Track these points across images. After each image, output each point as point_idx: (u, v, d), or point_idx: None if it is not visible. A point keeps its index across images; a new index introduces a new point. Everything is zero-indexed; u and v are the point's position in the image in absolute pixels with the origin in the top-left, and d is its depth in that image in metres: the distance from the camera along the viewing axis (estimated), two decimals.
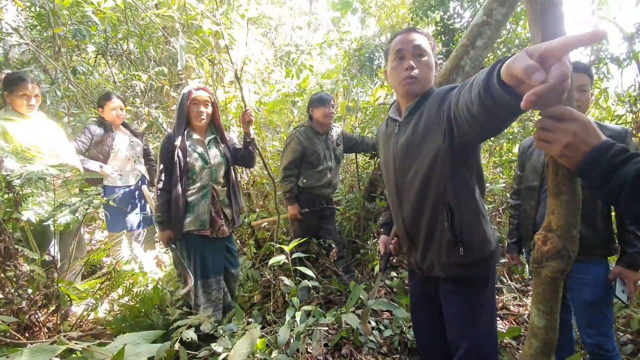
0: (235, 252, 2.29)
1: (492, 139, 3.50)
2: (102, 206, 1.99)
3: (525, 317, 2.36)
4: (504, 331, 2.05)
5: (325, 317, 1.89)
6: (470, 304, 1.17)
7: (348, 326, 1.89)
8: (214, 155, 2.12)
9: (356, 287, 1.80)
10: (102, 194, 2.72)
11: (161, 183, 2.00)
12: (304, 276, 1.85)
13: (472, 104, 0.78)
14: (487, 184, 3.41)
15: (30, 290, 1.65)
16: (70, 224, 1.89)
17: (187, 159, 2.01)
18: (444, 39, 3.85)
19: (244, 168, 3.66)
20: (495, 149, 4.11)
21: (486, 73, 0.71)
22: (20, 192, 1.72)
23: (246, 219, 3.35)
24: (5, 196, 1.67)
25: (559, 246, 0.75)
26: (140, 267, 2.47)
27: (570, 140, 0.64)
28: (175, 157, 1.97)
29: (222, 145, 2.20)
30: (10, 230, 1.71)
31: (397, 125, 1.24)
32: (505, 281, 2.80)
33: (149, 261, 2.58)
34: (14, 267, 1.56)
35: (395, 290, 2.60)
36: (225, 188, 2.18)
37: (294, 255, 1.81)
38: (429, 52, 1.18)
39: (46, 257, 1.93)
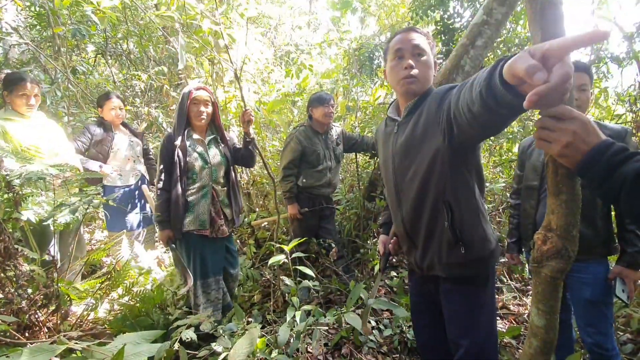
0: (234, 253, 2.29)
1: (491, 138, 3.50)
2: (101, 206, 1.99)
3: (525, 316, 2.36)
4: (504, 330, 2.05)
5: (325, 317, 1.89)
6: (471, 303, 1.17)
7: (348, 326, 1.89)
8: (214, 155, 2.12)
9: (356, 287, 1.80)
10: (102, 194, 2.71)
11: (161, 183, 2.00)
12: (304, 276, 1.85)
13: (473, 103, 0.78)
14: (487, 184, 3.41)
15: (30, 290, 1.65)
16: (70, 223, 1.89)
17: (187, 159, 2.01)
18: (443, 38, 3.85)
19: (243, 168, 3.66)
20: (495, 148, 4.11)
21: (488, 72, 0.71)
22: (20, 192, 1.72)
23: (246, 219, 3.35)
24: (5, 196, 1.67)
25: (559, 246, 0.75)
26: (141, 268, 2.47)
27: (570, 140, 0.64)
28: (175, 157, 1.97)
29: (222, 145, 2.19)
30: (10, 230, 1.72)
31: (396, 125, 1.24)
32: (505, 280, 2.80)
33: (150, 260, 2.59)
34: (14, 266, 1.56)
35: (395, 289, 2.60)
36: (225, 188, 2.17)
37: (293, 255, 1.81)
38: (428, 52, 1.18)
39: (46, 257, 1.93)
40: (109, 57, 4.73)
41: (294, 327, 1.58)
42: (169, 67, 4.38)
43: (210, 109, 2.09)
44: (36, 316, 1.59)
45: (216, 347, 1.44)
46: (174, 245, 2.04)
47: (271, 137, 4.67)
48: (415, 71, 1.15)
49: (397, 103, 1.30)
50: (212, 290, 2.07)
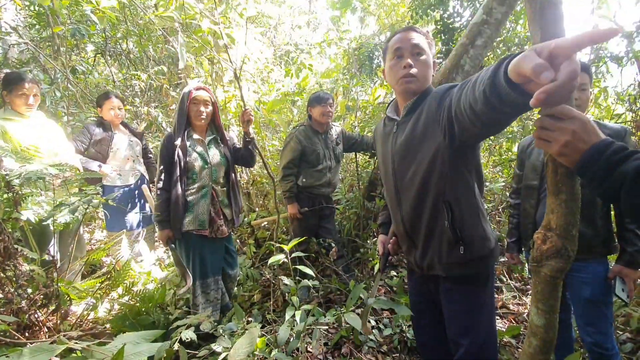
0: (234, 253, 2.29)
1: (491, 137, 3.50)
2: (101, 206, 1.99)
3: (524, 316, 2.36)
4: (504, 330, 2.05)
5: (325, 316, 1.89)
6: (471, 303, 1.18)
7: (348, 325, 1.89)
8: (214, 155, 2.12)
9: (356, 286, 1.79)
10: (101, 194, 2.71)
11: (161, 182, 1.99)
12: (304, 275, 1.84)
13: (476, 101, 0.78)
14: (487, 183, 3.41)
15: (30, 290, 1.65)
16: (70, 223, 1.89)
17: (187, 159, 2.01)
18: (443, 37, 3.85)
19: (243, 167, 3.66)
20: (494, 147, 4.12)
21: (492, 70, 0.70)
22: (20, 192, 1.72)
23: (246, 219, 3.35)
24: (5, 196, 1.67)
25: (558, 245, 0.75)
26: (142, 266, 2.47)
27: (569, 139, 0.64)
28: (175, 157, 1.97)
29: (222, 146, 2.19)
30: (10, 230, 1.71)
31: (395, 125, 1.24)
32: (505, 280, 2.80)
33: (151, 260, 2.59)
34: (14, 266, 1.56)
35: (394, 289, 2.60)
36: (225, 188, 2.17)
37: (293, 255, 1.81)
38: (427, 51, 1.18)
39: (46, 257, 1.93)
40: (109, 57, 4.73)
41: (294, 326, 1.58)
42: (168, 66, 4.38)
43: (210, 109, 2.09)
44: (36, 316, 1.59)
45: (216, 346, 1.44)
46: (173, 245, 2.04)
47: (271, 136, 4.67)
48: (414, 70, 1.15)
49: (396, 102, 1.30)
50: (211, 290, 2.07)
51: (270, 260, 1.81)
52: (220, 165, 2.13)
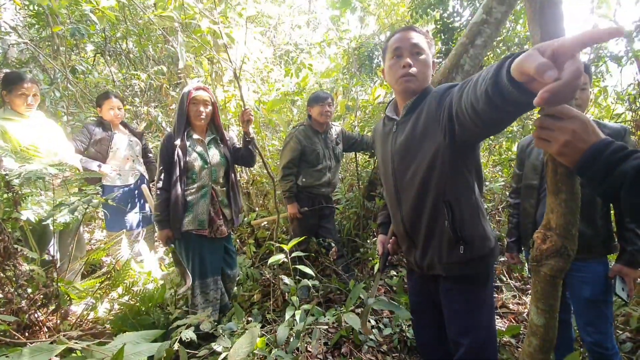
0: (233, 253, 2.29)
1: (491, 137, 3.50)
2: (101, 206, 1.98)
3: (524, 315, 2.36)
4: (504, 329, 2.06)
5: (325, 316, 1.89)
6: (471, 302, 1.18)
7: (348, 325, 1.89)
8: (214, 155, 2.12)
9: (356, 286, 1.80)
10: (101, 194, 2.71)
11: (160, 182, 1.99)
12: (304, 275, 1.85)
13: (478, 100, 0.78)
14: (487, 183, 3.41)
15: (29, 290, 1.65)
16: (70, 223, 1.89)
17: (187, 159, 2.01)
18: (443, 37, 3.85)
19: (243, 167, 3.66)
20: (494, 147, 4.12)
21: (494, 70, 0.70)
22: (20, 192, 1.72)
23: (246, 218, 3.35)
24: (5, 196, 1.67)
25: (558, 245, 0.75)
26: (143, 266, 2.47)
27: (569, 139, 0.64)
28: (175, 157, 1.97)
29: (222, 146, 2.19)
30: (10, 230, 1.71)
31: (394, 124, 1.24)
32: (505, 279, 2.80)
33: (152, 260, 2.59)
34: (14, 266, 1.56)
35: (394, 289, 2.60)
36: (225, 188, 2.17)
37: (293, 254, 1.81)
38: (426, 51, 1.18)
39: (46, 257, 1.93)
40: (108, 57, 4.73)
41: (294, 326, 1.58)
42: (168, 66, 4.38)
43: (209, 109, 2.09)
44: (36, 316, 1.59)
45: (216, 346, 1.44)
46: (173, 245, 2.03)
47: (271, 136, 4.67)
48: (413, 69, 1.15)
49: (396, 102, 1.30)
50: (211, 290, 2.07)
51: (270, 260, 1.81)
52: (219, 165, 2.13)
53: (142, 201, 2.98)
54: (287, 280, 1.88)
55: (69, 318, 1.85)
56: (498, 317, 2.36)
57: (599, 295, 1.48)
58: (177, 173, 1.97)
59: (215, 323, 1.64)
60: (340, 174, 3.43)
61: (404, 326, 2.07)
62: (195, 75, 3.53)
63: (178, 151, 1.98)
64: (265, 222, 3.32)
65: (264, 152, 3.89)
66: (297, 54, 5.62)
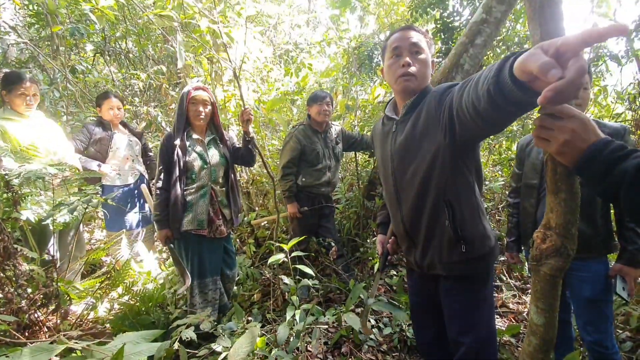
0: (232, 254, 2.29)
1: (491, 137, 3.50)
2: (100, 205, 1.99)
3: (524, 314, 2.37)
4: (504, 329, 2.06)
5: (325, 316, 1.89)
6: (471, 302, 1.18)
7: (348, 324, 1.89)
8: (213, 155, 2.12)
9: (356, 286, 1.80)
10: (101, 193, 2.71)
11: (160, 182, 1.99)
12: (304, 275, 1.85)
13: (479, 100, 0.77)
14: (487, 182, 3.41)
15: (29, 290, 1.65)
16: (69, 223, 1.89)
17: (187, 159, 2.01)
18: (443, 36, 3.84)
19: (243, 167, 3.66)
20: (494, 147, 4.12)
21: (496, 69, 0.70)
22: (19, 192, 1.72)
23: (246, 218, 3.35)
24: (4, 195, 1.67)
25: (558, 244, 0.75)
26: (142, 266, 2.47)
27: (568, 138, 0.64)
28: (175, 157, 1.97)
29: (222, 146, 2.19)
30: (10, 230, 1.71)
31: (394, 124, 1.24)
32: (505, 279, 2.81)
33: (151, 260, 2.59)
34: (14, 266, 1.56)
35: (394, 288, 2.60)
36: (224, 188, 2.17)
37: (293, 254, 1.81)
38: (425, 50, 1.18)
39: (45, 257, 1.93)
40: (108, 57, 4.72)
41: (294, 326, 1.58)
42: (167, 66, 4.38)
43: (209, 109, 2.09)
44: (36, 316, 1.59)
45: (216, 346, 1.44)
46: (172, 245, 2.03)
47: (270, 136, 4.67)
48: (413, 69, 1.15)
49: (395, 102, 1.29)
50: (210, 290, 2.07)
51: (270, 260, 1.81)
52: (219, 165, 2.13)
53: (141, 201, 2.98)
54: (287, 280, 1.88)
55: (69, 318, 1.85)
56: (498, 317, 2.36)
57: (599, 295, 1.48)
58: (177, 173, 1.97)
59: (215, 323, 1.64)
60: (340, 174, 3.43)
61: (404, 326, 2.07)
62: (195, 75, 3.53)
63: (178, 151, 1.98)
64: (265, 222, 3.32)
65: (263, 151, 3.89)
66: (296, 54, 5.61)
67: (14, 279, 1.57)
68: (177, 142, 1.99)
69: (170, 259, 2.53)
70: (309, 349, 1.83)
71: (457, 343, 1.19)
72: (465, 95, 0.86)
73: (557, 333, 0.83)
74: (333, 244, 2.66)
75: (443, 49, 3.84)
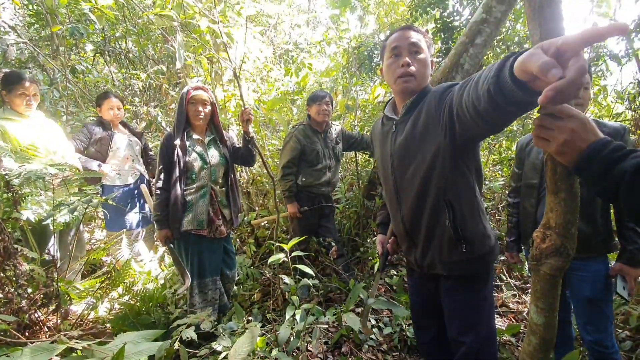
0: (232, 254, 2.29)
1: (491, 136, 3.50)
2: (100, 205, 1.99)
3: (524, 314, 2.37)
4: (504, 328, 2.06)
5: (325, 316, 1.90)
6: (472, 301, 1.18)
7: (348, 324, 1.90)
8: (213, 155, 2.12)
9: (356, 286, 1.80)
10: (101, 193, 2.71)
11: (160, 182, 2.00)
12: (304, 274, 1.85)
13: (480, 100, 0.77)
14: (487, 182, 3.42)
15: (30, 290, 1.65)
16: (70, 223, 1.89)
17: (187, 159, 2.01)
18: (443, 36, 3.84)
19: (243, 167, 3.66)
20: (494, 146, 4.12)
21: (496, 69, 0.70)
22: (19, 192, 1.72)
23: (246, 218, 3.35)
24: (4, 195, 1.67)
25: (558, 243, 0.76)
26: (142, 266, 2.47)
27: (568, 138, 0.64)
28: (175, 157, 1.97)
29: (222, 146, 2.19)
30: (10, 230, 1.71)
31: (394, 124, 1.24)
32: (505, 278, 2.81)
33: (152, 260, 2.59)
34: (14, 266, 1.56)
35: (394, 288, 2.61)
36: (224, 188, 2.17)
37: (293, 254, 1.81)
38: (425, 50, 1.18)
39: (46, 257, 1.93)
40: (108, 57, 4.72)
41: (294, 325, 1.58)
42: (167, 66, 4.38)
43: (208, 109, 2.09)
44: (36, 315, 1.59)
45: (216, 346, 1.45)
46: (172, 245, 2.04)
47: (270, 135, 4.67)
48: (412, 69, 1.15)
49: (394, 102, 1.29)
50: (209, 290, 2.07)
51: (270, 260, 1.81)
52: (219, 165, 2.13)
53: (141, 201, 2.98)
54: (287, 279, 1.88)
55: (69, 318, 1.85)
56: (498, 316, 2.37)
57: (599, 294, 1.48)
58: (177, 173, 1.97)
59: (215, 323, 1.64)
60: (340, 173, 3.43)
61: (404, 325, 2.07)
62: (195, 74, 3.53)
63: (178, 151, 1.98)
64: (265, 222, 3.32)
65: (263, 151, 3.89)
66: (296, 53, 5.61)
67: (14, 279, 1.57)
68: (177, 142, 1.99)
69: (169, 259, 2.53)
70: (309, 348, 1.83)
71: (457, 343, 1.19)
72: (465, 95, 0.86)
73: (557, 333, 0.84)
74: (333, 243, 2.66)
75: (443, 48, 3.84)
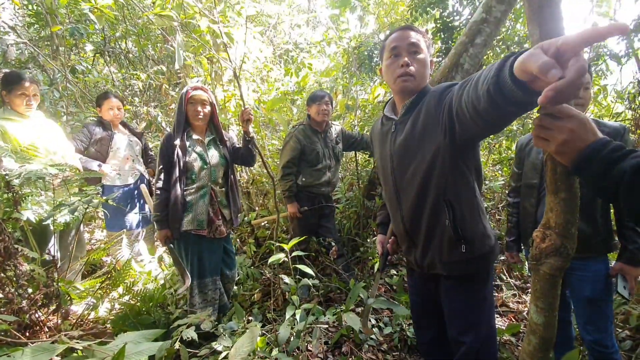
0: (232, 254, 2.29)
1: (491, 136, 3.50)
2: (101, 205, 1.99)
3: (524, 314, 2.37)
4: (504, 328, 2.06)
5: (325, 315, 1.90)
6: (472, 301, 1.18)
7: (348, 324, 1.90)
8: (213, 155, 2.12)
9: (356, 285, 1.80)
10: (101, 194, 2.72)
11: (160, 182, 2.00)
12: (304, 274, 1.85)
13: (479, 100, 0.77)
14: (487, 182, 3.42)
15: (30, 290, 1.66)
16: (70, 223, 1.89)
17: (187, 159, 2.01)
18: (443, 36, 3.84)
19: (243, 167, 3.66)
20: (494, 146, 4.12)
21: (496, 69, 0.70)
22: (20, 192, 1.72)
23: (246, 218, 3.35)
24: (5, 196, 1.67)
25: (557, 243, 0.76)
26: (142, 266, 2.47)
27: (567, 138, 0.64)
28: (175, 157, 1.97)
29: (221, 146, 2.19)
30: (10, 230, 1.71)
31: (393, 124, 1.24)
32: (505, 278, 2.81)
33: (151, 260, 2.59)
34: (14, 266, 1.56)
35: (394, 287, 2.61)
36: (224, 189, 2.17)
37: (293, 254, 1.82)
38: (424, 50, 1.18)
39: (46, 257, 1.93)
40: (108, 57, 4.72)
41: (294, 325, 1.58)
42: (167, 66, 4.38)
43: (208, 109, 2.09)
44: (37, 316, 1.59)
45: (217, 346, 1.45)
46: (172, 245, 2.04)
47: (271, 135, 4.67)
48: (411, 69, 1.15)
49: (394, 102, 1.29)
50: (209, 290, 2.07)
51: (271, 260, 1.81)
52: (219, 165, 2.13)
53: (141, 201, 2.98)
54: (287, 279, 1.89)
55: (69, 318, 1.85)
56: (498, 316, 2.37)
57: (599, 294, 1.48)
58: (177, 173, 1.97)
59: (215, 323, 1.64)
60: (340, 173, 3.43)
61: (404, 325, 2.07)
62: (195, 75, 3.53)
63: (178, 151, 1.98)
64: (266, 222, 3.32)
65: (263, 151, 3.89)
66: (296, 53, 5.61)
67: (14, 279, 1.57)
68: (177, 142, 1.99)
69: (169, 259, 2.53)
70: (309, 348, 1.83)
71: (457, 342, 1.19)
72: (465, 95, 0.86)
73: (558, 332, 0.84)
74: (333, 243, 2.66)
75: (443, 48, 3.84)
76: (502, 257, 2.81)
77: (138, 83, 4.19)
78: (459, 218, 1.11)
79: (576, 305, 1.57)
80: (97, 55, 4.79)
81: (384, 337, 2.05)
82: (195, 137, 2.08)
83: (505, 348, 1.89)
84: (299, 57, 5.37)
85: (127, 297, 2.11)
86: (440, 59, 3.69)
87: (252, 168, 3.86)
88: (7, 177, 1.61)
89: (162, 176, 2.00)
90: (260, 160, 2.96)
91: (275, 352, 1.48)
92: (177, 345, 1.32)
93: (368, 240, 3.10)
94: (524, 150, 1.71)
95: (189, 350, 1.38)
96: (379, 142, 1.32)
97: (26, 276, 1.62)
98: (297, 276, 1.96)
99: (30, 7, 3.82)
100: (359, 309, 2.24)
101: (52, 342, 1.05)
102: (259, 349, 1.47)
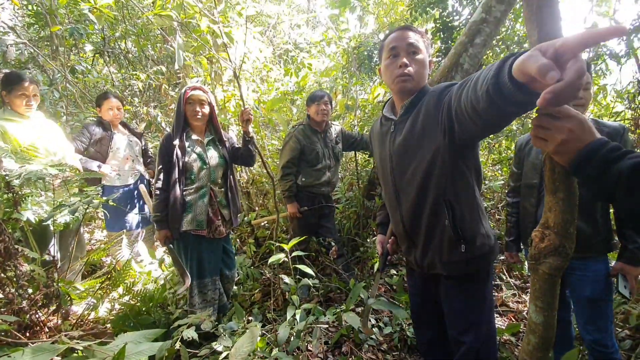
0: (231, 254, 2.29)
1: (491, 136, 3.50)
2: (101, 206, 1.99)
3: (524, 313, 2.37)
4: (504, 328, 2.06)
5: (325, 315, 1.90)
6: (472, 300, 1.18)
7: (348, 324, 1.90)
8: (212, 156, 2.12)
9: (356, 285, 1.80)
10: (101, 194, 2.72)
11: (159, 182, 2.00)
12: (304, 274, 1.85)
13: (479, 100, 0.77)
14: (486, 182, 3.42)
15: (30, 290, 1.66)
16: (70, 223, 1.89)
17: (186, 159, 2.01)
18: (442, 36, 3.85)
19: (243, 167, 3.66)
20: (494, 146, 4.12)
21: (495, 70, 0.70)
22: (20, 192, 1.72)
23: (246, 218, 3.35)
24: (5, 196, 1.67)
25: (556, 243, 0.76)
26: (142, 266, 2.47)
27: (565, 138, 0.64)
28: (174, 157, 1.97)
29: (221, 147, 2.20)
30: (10, 231, 1.72)
31: (392, 124, 1.24)
32: (505, 278, 2.81)
33: (151, 262, 2.59)
34: (14, 267, 1.56)
35: (394, 287, 2.61)
36: (223, 189, 2.17)
37: (293, 254, 1.82)
38: (423, 50, 1.18)
39: (46, 257, 1.94)
40: (107, 57, 4.72)
41: (294, 325, 1.59)
42: (167, 66, 4.38)
43: (206, 109, 2.09)
44: (37, 316, 1.60)
45: (217, 346, 1.45)
46: (171, 246, 2.04)
47: (270, 136, 4.67)
48: (410, 69, 1.15)
49: (393, 102, 1.29)
50: (209, 290, 2.07)
51: (271, 260, 1.82)
52: (218, 166, 2.13)
53: (141, 202, 2.98)
54: (287, 279, 1.89)
55: (69, 318, 1.85)
56: (498, 316, 2.37)
57: (599, 294, 1.48)
58: (176, 174, 1.97)
59: (216, 323, 1.64)
60: (340, 173, 3.44)
61: (404, 325, 2.08)
62: (195, 75, 3.53)
63: (177, 151, 1.98)
64: (265, 222, 3.32)
65: (263, 151, 3.89)
66: (296, 53, 5.62)
67: (14, 279, 1.57)
68: (176, 142, 1.99)
69: (168, 259, 2.53)
70: (309, 348, 1.84)
71: (457, 342, 1.19)
72: (464, 95, 0.86)
73: (557, 332, 0.84)
74: (333, 243, 2.66)
75: (442, 48, 3.84)
76: (502, 257, 2.82)
77: (138, 83, 4.19)
78: (458, 218, 1.11)
79: (576, 305, 1.57)
80: (96, 55, 4.79)
81: (383, 337, 2.05)
82: (194, 137, 2.08)
83: (505, 347, 1.90)
84: (298, 57, 5.37)
85: (127, 298, 2.11)
86: (440, 59, 3.70)
87: (251, 168, 3.86)
88: (7, 177, 1.61)
89: (161, 176, 2.00)
90: (260, 160, 2.96)
91: (275, 352, 1.48)
92: (177, 346, 1.32)
93: (368, 240, 3.10)
94: (524, 150, 1.70)
95: (189, 350, 1.38)
96: (378, 142, 1.33)
97: (26, 276, 1.62)
98: (297, 276, 1.96)
99: (29, 7, 3.82)
100: (359, 309, 2.24)
101: (53, 343, 1.05)
102: (259, 349, 1.47)
